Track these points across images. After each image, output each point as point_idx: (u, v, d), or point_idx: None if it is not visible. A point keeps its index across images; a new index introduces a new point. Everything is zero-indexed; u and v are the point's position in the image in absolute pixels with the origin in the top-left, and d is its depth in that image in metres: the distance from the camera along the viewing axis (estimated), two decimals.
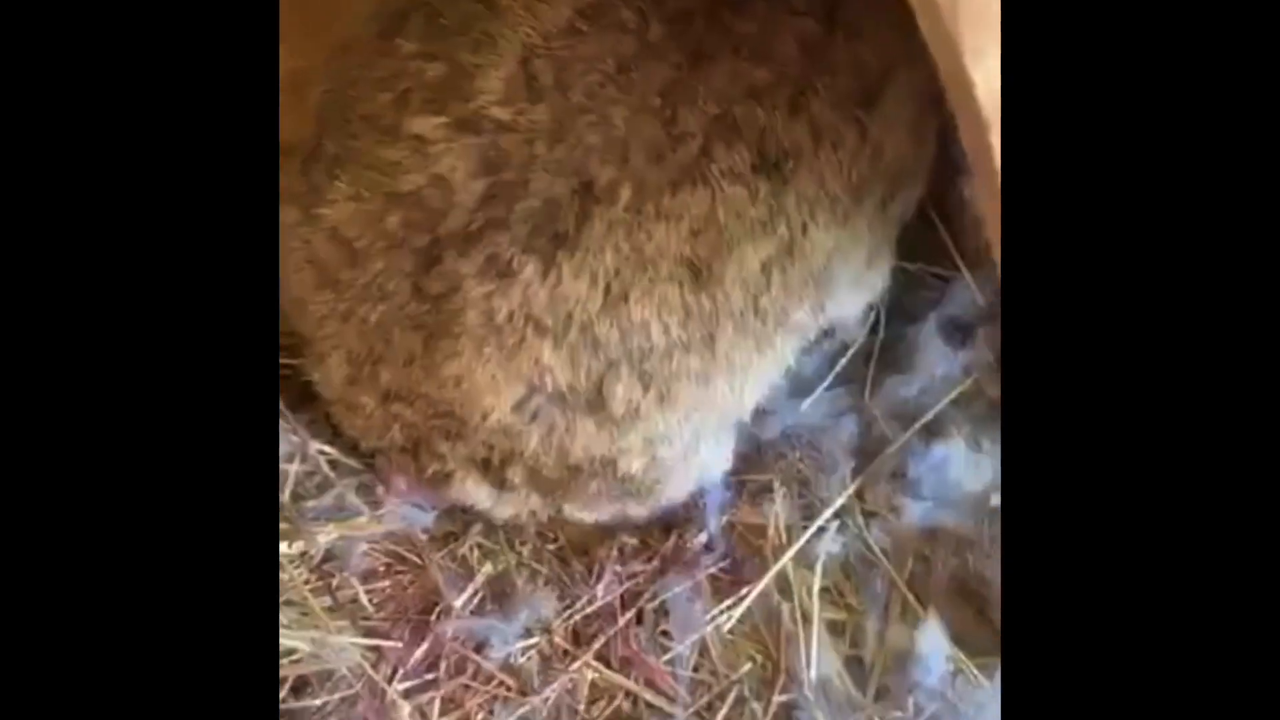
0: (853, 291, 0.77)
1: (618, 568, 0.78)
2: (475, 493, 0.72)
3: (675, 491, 0.74)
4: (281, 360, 0.77)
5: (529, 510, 0.74)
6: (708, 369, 0.69)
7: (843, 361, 0.86)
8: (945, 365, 0.86)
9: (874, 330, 0.87)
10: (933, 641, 0.74)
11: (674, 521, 0.79)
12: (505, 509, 0.73)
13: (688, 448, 0.72)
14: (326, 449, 0.75)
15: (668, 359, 0.67)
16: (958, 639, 0.74)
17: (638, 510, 0.75)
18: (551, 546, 0.79)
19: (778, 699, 0.72)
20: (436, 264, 0.66)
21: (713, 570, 0.78)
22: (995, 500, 0.78)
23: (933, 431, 0.83)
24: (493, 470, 0.71)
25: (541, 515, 0.74)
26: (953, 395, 0.84)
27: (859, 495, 0.81)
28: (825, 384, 0.85)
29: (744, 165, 0.66)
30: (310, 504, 0.74)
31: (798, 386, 0.88)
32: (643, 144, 0.65)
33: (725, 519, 0.80)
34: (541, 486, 0.72)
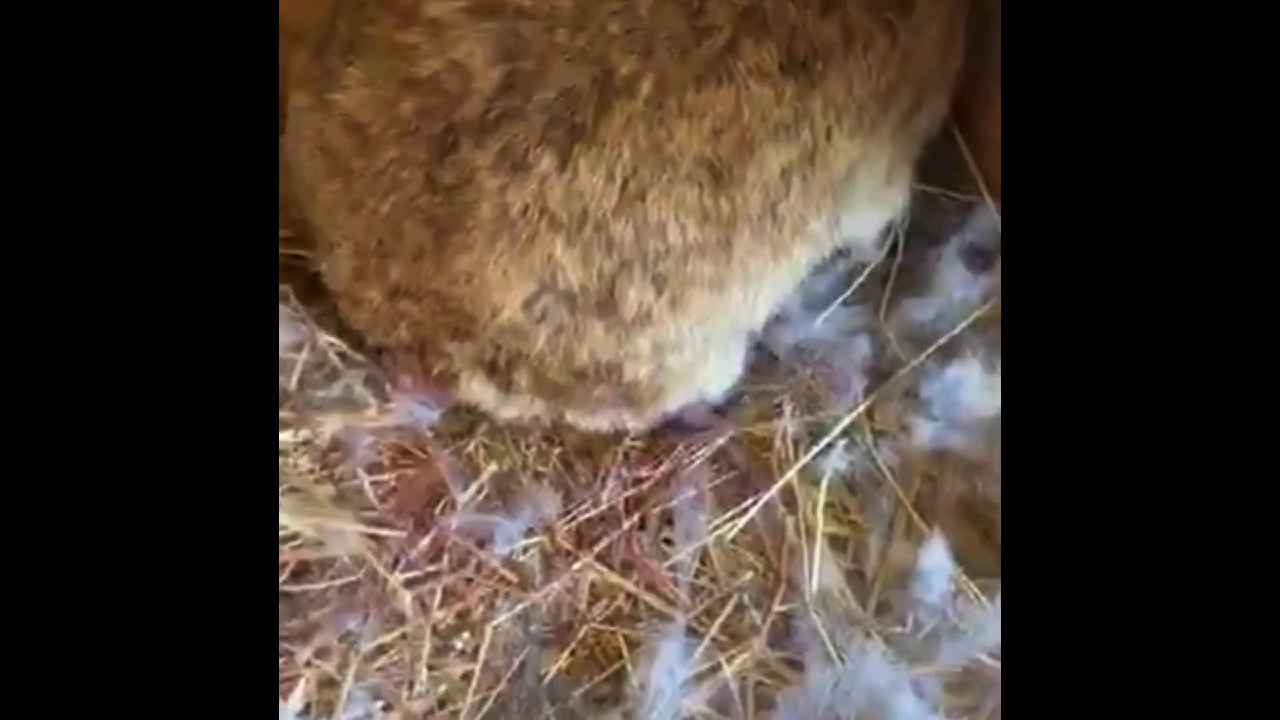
0: (871, 207, 0.75)
1: (623, 473, 0.77)
2: (480, 393, 0.72)
3: (679, 401, 0.73)
4: (291, 250, 0.76)
5: (532, 414, 0.73)
6: (722, 275, 0.68)
7: (859, 280, 0.85)
8: (964, 289, 0.85)
9: (892, 252, 0.86)
10: (936, 560, 0.73)
11: (681, 431, 0.79)
12: (509, 411, 0.73)
13: (696, 356, 0.71)
14: (335, 341, 0.75)
15: (682, 262, 0.66)
16: (961, 560, 0.74)
17: (636, 423, 0.74)
18: (556, 450, 0.78)
19: (777, 608, 0.72)
20: (451, 153, 0.65)
21: (718, 481, 0.78)
22: None
23: (947, 354, 0.82)
24: (498, 372, 0.70)
25: (545, 420, 0.74)
26: (970, 320, 0.84)
27: (869, 414, 0.81)
28: (840, 300, 0.84)
29: (771, 63, 0.65)
30: (317, 394, 0.73)
31: (812, 304, 0.87)
32: (667, 35, 0.64)
33: (733, 431, 0.80)
34: (546, 391, 0.71)
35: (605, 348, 0.68)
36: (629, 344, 0.68)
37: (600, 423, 0.74)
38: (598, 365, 0.69)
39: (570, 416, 0.74)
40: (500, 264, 0.66)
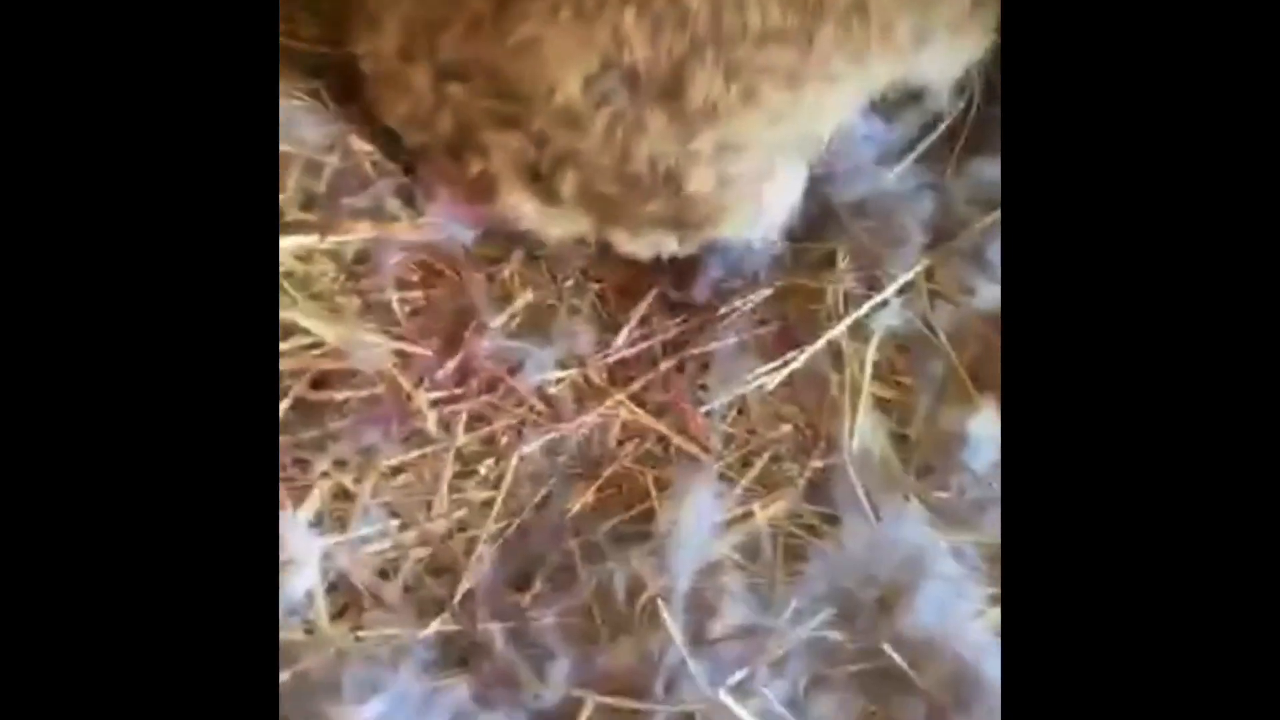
0: (951, 38, 0.70)
1: (663, 315, 0.74)
2: (520, 204, 0.67)
3: (735, 226, 0.69)
4: (320, 48, 0.72)
5: (575, 234, 0.69)
6: (799, 69, 0.63)
7: (933, 135, 0.80)
8: None
9: (966, 107, 0.80)
10: (986, 427, 0.70)
11: (729, 277, 0.75)
12: (550, 227, 0.68)
13: (760, 168, 0.66)
14: (367, 146, 0.70)
15: (760, 48, 0.61)
16: None
17: (689, 247, 0.70)
18: (595, 286, 0.74)
19: (815, 464, 0.69)
20: None
21: (762, 331, 0.74)
22: None
23: None
24: (541, 179, 0.65)
25: (589, 238, 0.69)
26: None
27: (928, 273, 0.76)
28: (911, 156, 0.79)
29: None
30: (345, 201, 0.69)
31: (878, 157, 0.82)
32: None
33: (783, 281, 0.76)
34: (593, 203, 0.66)
35: (666, 142, 0.63)
36: (691, 141, 0.63)
37: (647, 246, 0.69)
38: (654, 167, 0.64)
39: (616, 238, 0.69)
40: (564, 34, 0.61)
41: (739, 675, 0.58)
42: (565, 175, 0.65)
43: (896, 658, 0.58)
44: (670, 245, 0.69)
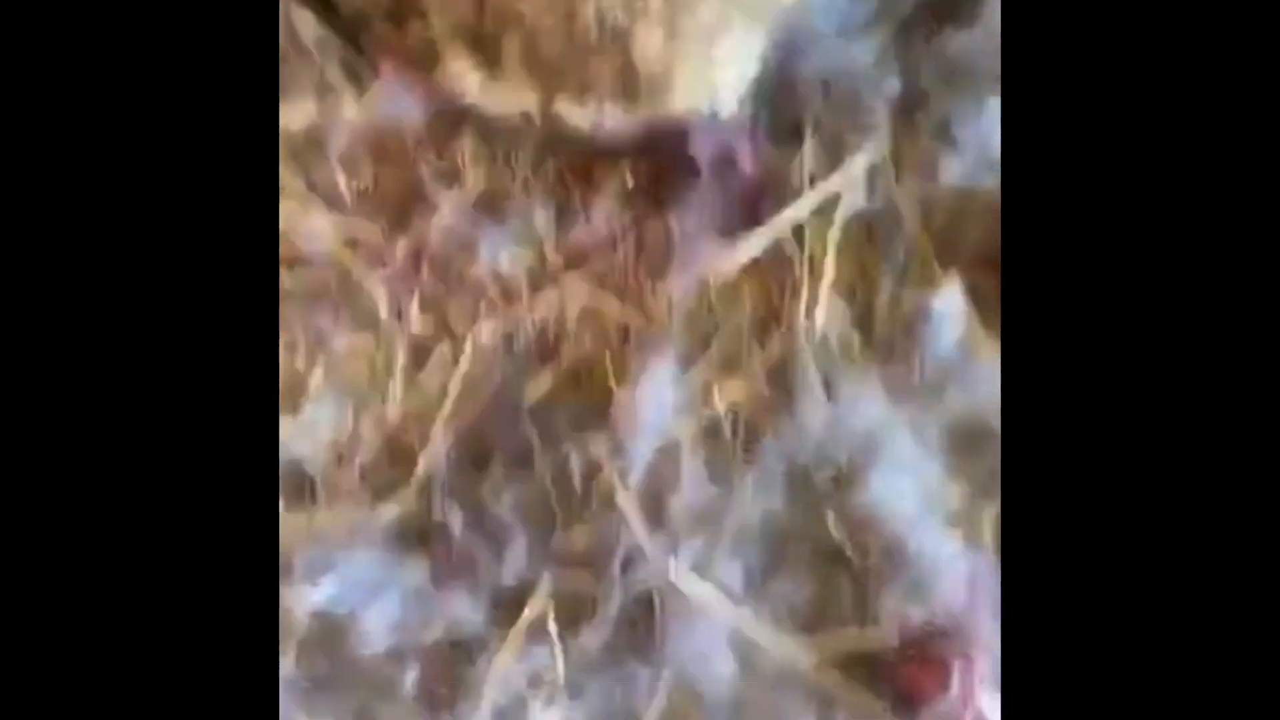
0: None
1: (623, 193, 0.72)
2: (463, 74, 0.64)
3: (687, 93, 0.66)
4: None
5: (521, 107, 0.66)
6: None
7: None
8: None
9: None
10: (950, 306, 0.69)
11: (684, 155, 0.73)
12: (495, 99, 0.66)
13: (713, 25, 0.63)
14: (308, 16, 0.67)
15: None
16: (978, 309, 0.69)
17: (632, 121, 0.67)
18: (552, 162, 0.72)
19: (774, 345, 0.68)
20: None
21: (724, 211, 0.72)
22: None
23: (985, 90, 0.75)
24: (484, 43, 0.62)
25: (535, 113, 0.67)
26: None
27: (895, 150, 0.75)
28: (869, 22, 0.76)
29: None
30: (287, 77, 0.66)
31: (843, 30, 0.79)
32: None
33: (743, 159, 0.73)
34: (537, 69, 0.64)
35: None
36: None
37: (594, 116, 0.67)
38: (601, 25, 0.61)
39: (563, 107, 0.66)
40: None
41: (691, 554, 0.58)
42: (509, 38, 0.62)
43: (837, 534, 0.58)
44: (619, 115, 0.66)
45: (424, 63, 0.64)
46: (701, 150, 0.73)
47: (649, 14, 0.61)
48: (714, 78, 0.66)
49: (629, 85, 0.64)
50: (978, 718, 0.53)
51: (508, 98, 0.65)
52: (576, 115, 0.66)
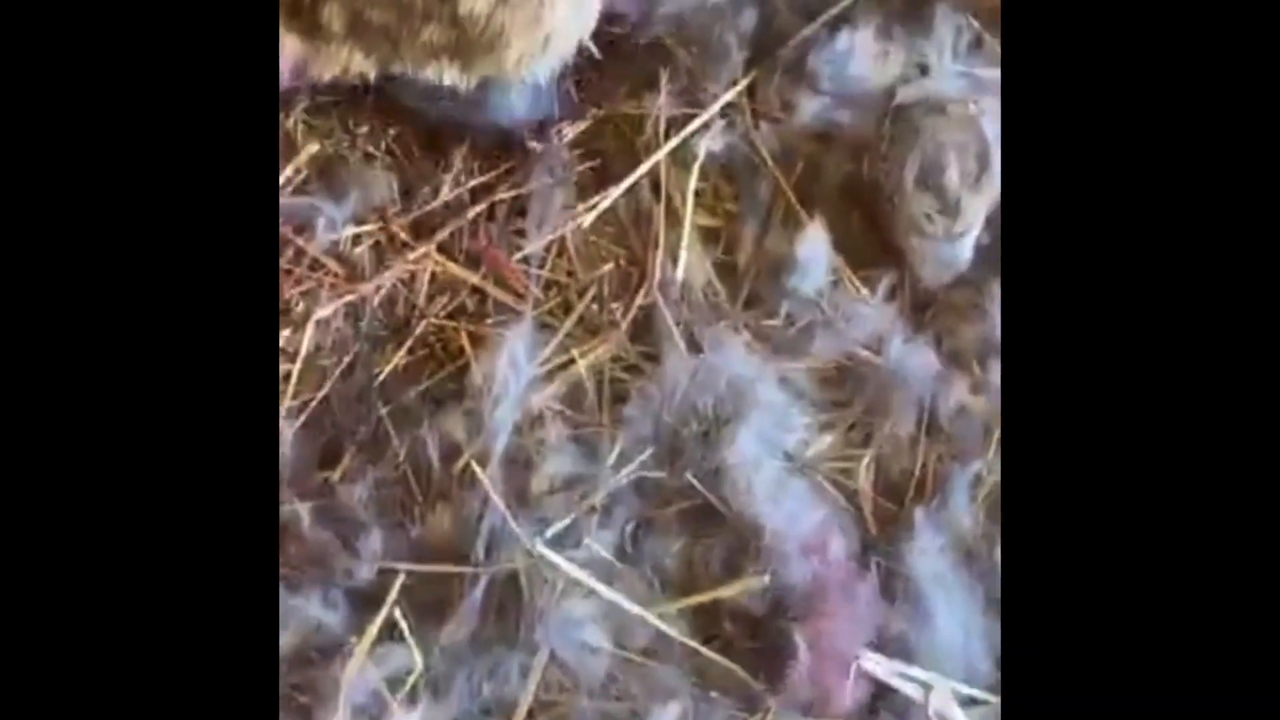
0: None
1: (468, 157, 0.68)
2: (289, 42, 0.60)
3: (520, 53, 0.63)
4: None
5: (353, 72, 0.62)
6: None
7: None
8: None
9: None
10: (814, 249, 0.67)
11: (535, 114, 0.69)
12: (326, 67, 0.62)
13: None
14: None
15: None
16: (842, 249, 0.67)
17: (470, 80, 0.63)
18: (393, 131, 0.68)
19: (639, 301, 0.66)
20: None
21: (579, 167, 0.69)
22: (899, 97, 0.69)
23: (839, 22, 0.73)
24: (304, 11, 0.58)
25: (370, 75, 0.63)
26: None
27: (749, 91, 0.72)
28: None
29: None
30: None
31: None
32: None
33: (597, 110, 0.70)
34: (365, 35, 0.60)
35: None
36: None
37: (430, 79, 0.63)
38: None
39: (399, 71, 0.62)
40: None
41: (557, 527, 0.55)
42: (331, 6, 0.58)
43: (703, 490, 0.56)
44: (453, 76, 0.63)
45: None
46: (549, 107, 0.70)
47: None
48: (545, 37, 0.62)
49: (460, 46, 0.60)
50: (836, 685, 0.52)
51: (338, 63, 0.61)
52: (413, 81, 0.62)
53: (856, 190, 0.69)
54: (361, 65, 0.62)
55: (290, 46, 0.60)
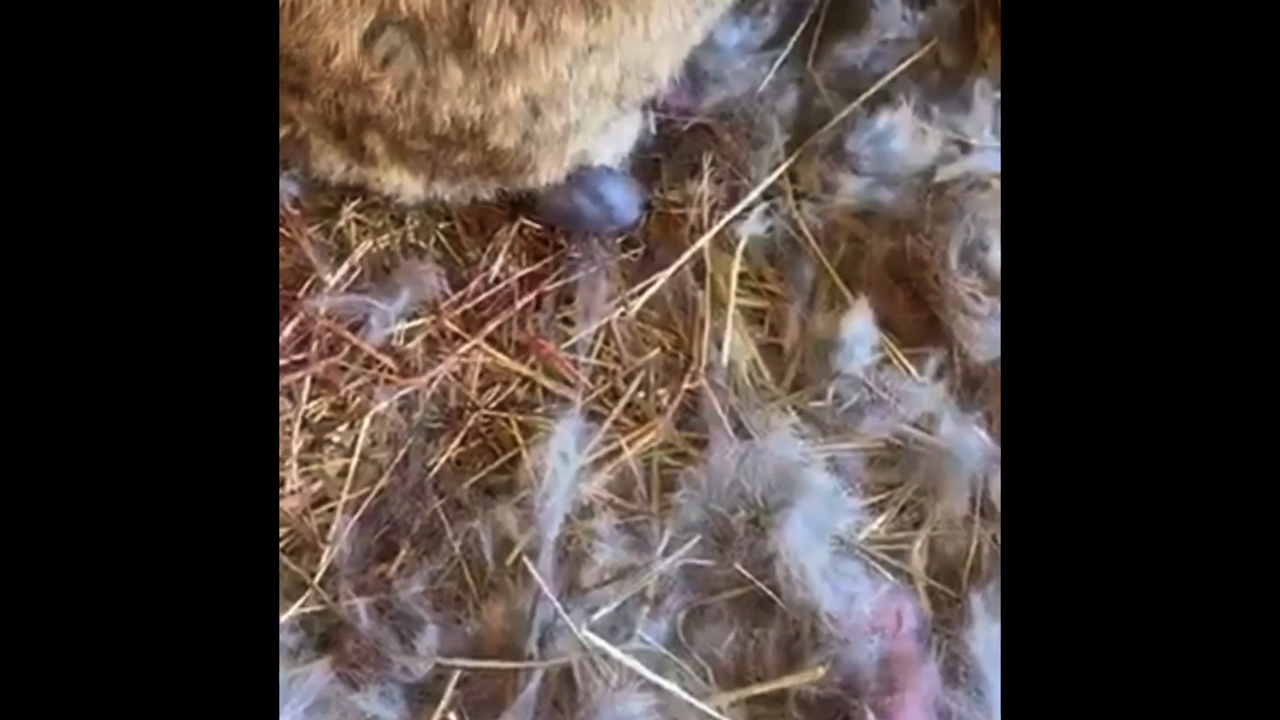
0: None
1: (516, 248, 0.70)
2: (336, 164, 0.62)
3: (554, 172, 0.64)
4: None
5: (400, 186, 0.64)
6: None
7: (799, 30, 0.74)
8: (899, 29, 0.76)
9: None
10: (860, 328, 0.67)
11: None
12: (374, 182, 0.64)
13: (568, 122, 0.60)
14: None
15: None
16: (887, 327, 0.68)
17: (514, 186, 0.65)
18: (442, 225, 0.70)
19: (686, 386, 0.66)
20: None
21: (624, 255, 0.71)
22: (940, 175, 0.69)
23: (877, 102, 0.73)
24: (348, 137, 0.60)
25: (414, 191, 0.65)
26: (905, 64, 0.74)
27: (791, 174, 0.73)
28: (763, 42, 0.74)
29: None
30: None
31: (738, 51, 0.78)
32: None
33: (643, 199, 0.72)
34: (406, 160, 0.62)
35: (467, 101, 0.58)
36: (495, 97, 0.58)
37: (466, 192, 0.65)
38: (459, 128, 0.59)
39: (440, 189, 0.64)
40: None
41: (608, 617, 0.56)
42: (370, 134, 0.60)
43: (753, 578, 0.56)
44: (487, 192, 0.64)
45: (297, 153, 0.62)
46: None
47: (508, 116, 0.58)
48: (575, 155, 0.63)
49: (493, 168, 0.62)
50: None
51: (385, 181, 0.63)
52: (457, 195, 0.64)
53: (901, 269, 0.69)
54: (411, 186, 0.64)
55: (337, 163, 0.62)
